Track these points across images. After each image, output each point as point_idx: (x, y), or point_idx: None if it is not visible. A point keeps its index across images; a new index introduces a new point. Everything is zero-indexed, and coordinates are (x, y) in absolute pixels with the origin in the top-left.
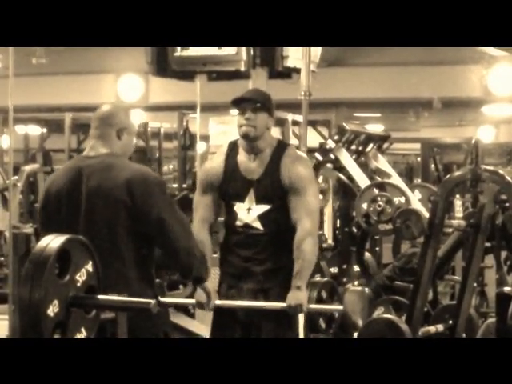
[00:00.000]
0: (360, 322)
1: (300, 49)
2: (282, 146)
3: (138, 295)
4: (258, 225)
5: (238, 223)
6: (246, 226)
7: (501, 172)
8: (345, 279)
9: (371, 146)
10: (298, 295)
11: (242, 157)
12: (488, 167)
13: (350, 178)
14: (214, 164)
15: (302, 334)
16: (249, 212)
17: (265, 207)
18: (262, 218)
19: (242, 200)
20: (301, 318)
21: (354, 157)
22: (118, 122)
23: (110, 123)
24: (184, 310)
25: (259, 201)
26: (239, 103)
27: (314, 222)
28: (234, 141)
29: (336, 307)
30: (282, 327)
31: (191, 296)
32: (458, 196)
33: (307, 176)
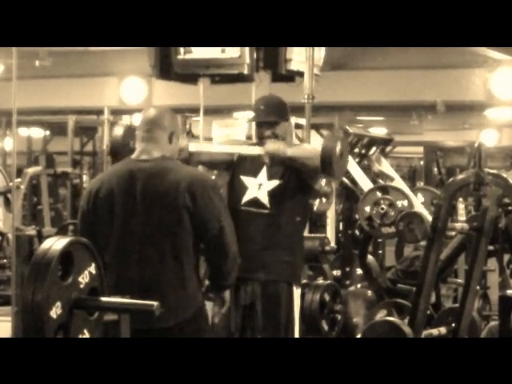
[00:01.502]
0: (361, 323)
1: (303, 52)
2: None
3: (193, 297)
4: (265, 201)
5: (246, 198)
6: (254, 201)
7: (504, 175)
8: (348, 282)
9: (374, 149)
10: (278, 144)
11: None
12: (491, 170)
13: (353, 181)
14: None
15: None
16: (260, 187)
17: (275, 182)
18: (271, 193)
19: (254, 175)
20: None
21: (357, 160)
22: (169, 126)
23: (163, 126)
24: None
25: (271, 177)
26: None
27: None
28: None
29: (312, 152)
30: (277, 307)
31: (207, 291)
32: (460, 199)
33: None
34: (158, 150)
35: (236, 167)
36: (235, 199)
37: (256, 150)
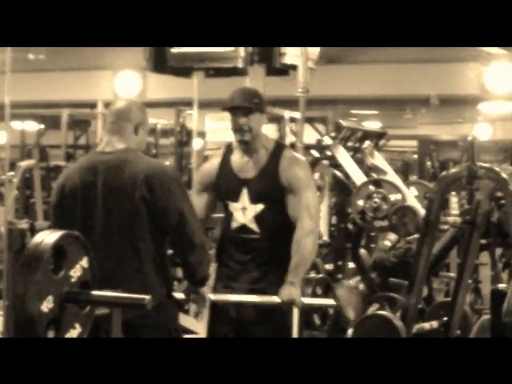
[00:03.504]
0: (353, 317)
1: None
2: (279, 148)
3: (153, 291)
4: (254, 226)
5: (234, 224)
6: (243, 227)
7: (497, 169)
8: (340, 276)
9: (368, 142)
10: (292, 291)
11: (236, 157)
12: (484, 164)
13: (346, 174)
14: (209, 165)
15: (295, 331)
16: (244, 212)
17: (259, 207)
18: (257, 218)
19: (235, 199)
20: (295, 315)
21: (350, 154)
22: (135, 117)
23: (128, 118)
24: (179, 305)
25: (254, 200)
26: (230, 109)
27: (314, 220)
28: (230, 142)
29: (329, 302)
30: (276, 326)
31: (186, 292)
32: (453, 193)
33: (305, 176)
34: (123, 142)
35: (218, 191)
36: (225, 224)
37: (273, 300)
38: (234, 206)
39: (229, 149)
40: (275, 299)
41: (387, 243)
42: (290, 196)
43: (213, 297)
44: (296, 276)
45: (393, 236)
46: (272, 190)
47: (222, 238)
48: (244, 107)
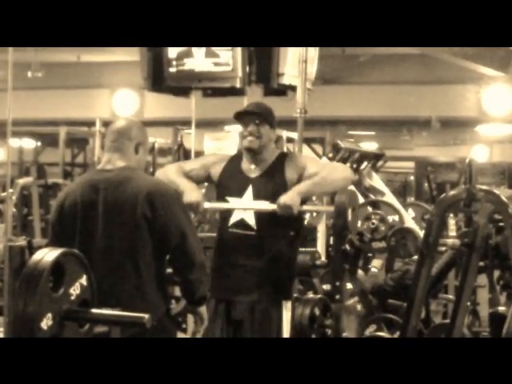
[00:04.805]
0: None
1: (296, 66)
2: (284, 154)
3: (154, 309)
4: (252, 222)
5: (233, 219)
6: (241, 222)
7: (496, 192)
8: (338, 296)
9: (365, 163)
10: (292, 197)
11: (244, 162)
12: (483, 187)
13: None
14: (220, 156)
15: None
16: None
17: (263, 203)
18: (258, 214)
19: (239, 195)
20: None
21: None
22: (136, 137)
23: (129, 137)
24: (176, 324)
25: (257, 197)
26: (242, 117)
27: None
28: (239, 150)
29: (327, 208)
30: (267, 329)
31: (184, 312)
32: (451, 215)
33: (311, 158)
34: (123, 160)
35: (220, 186)
36: (222, 221)
37: (269, 207)
38: (237, 202)
39: (238, 154)
40: (272, 206)
41: (374, 270)
42: (305, 176)
43: (208, 205)
44: (305, 186)
45: (377, 262)
46: (277, 187)
47: (217, 244)
48: (256, 113)
